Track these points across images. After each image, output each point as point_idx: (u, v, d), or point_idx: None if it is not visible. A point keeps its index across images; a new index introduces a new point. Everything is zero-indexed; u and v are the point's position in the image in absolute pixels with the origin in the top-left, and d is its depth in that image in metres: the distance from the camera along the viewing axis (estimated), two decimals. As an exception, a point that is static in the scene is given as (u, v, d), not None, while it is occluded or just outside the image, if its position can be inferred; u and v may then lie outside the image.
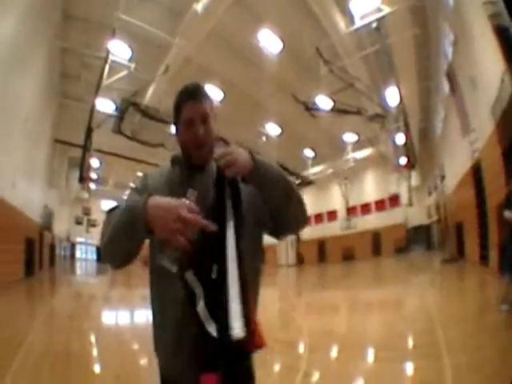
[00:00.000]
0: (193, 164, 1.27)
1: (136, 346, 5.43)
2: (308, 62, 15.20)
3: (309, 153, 25.01)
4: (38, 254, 15.14)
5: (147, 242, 1.21)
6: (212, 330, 0.98)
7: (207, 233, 0.99)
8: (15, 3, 9.15)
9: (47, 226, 18.43)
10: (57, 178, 20.56)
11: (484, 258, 8.11)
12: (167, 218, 0.93)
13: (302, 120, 19.14)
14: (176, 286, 1.05)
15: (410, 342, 4.60)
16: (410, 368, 3.68)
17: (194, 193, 0.99)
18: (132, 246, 1.08)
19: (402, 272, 14.51)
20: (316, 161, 25.77)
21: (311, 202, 29.06)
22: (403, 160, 17.60)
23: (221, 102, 16.68)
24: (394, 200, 23.87)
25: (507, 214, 4.89)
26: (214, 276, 1.03)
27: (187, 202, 0.96)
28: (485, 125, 8.24)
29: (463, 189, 10.59)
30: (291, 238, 28.74)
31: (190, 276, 1.03)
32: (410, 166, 16.52)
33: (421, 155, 18.01)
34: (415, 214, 22.01)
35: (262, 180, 1.12)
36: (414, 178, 19.97)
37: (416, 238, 22.38)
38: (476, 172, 8.94)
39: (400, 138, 17.11)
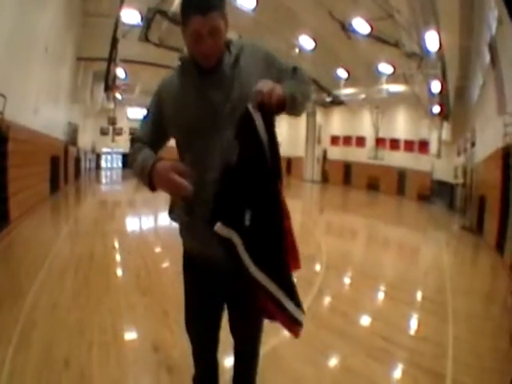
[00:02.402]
0: (203, 68, 1.32)
1: (158, 249, 5.69)
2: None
3: (342, 73, 23.85)
4: (62, 169, 15.36)
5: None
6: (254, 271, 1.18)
7: (235, 180, 1.18)
8: None
9: (72, 141, 18.49)
10: (81, 92, 20.20)
11: (500, 247, 7.78)
12: (162, 178, 1.15)
13: (338, 39, 18.12)
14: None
15: (420, 293, 4.71)
16: (416, 318, 3.81)
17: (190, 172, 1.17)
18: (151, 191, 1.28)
19: (423, 221, 14.48)
20: (349, 82, 24.63)
21: (341, 123, 28.37)
22: (436, 108, 16.87)
23: (253, 10, 15.77)
24: (423, 146, 23.03)
25: None
26: (247, 223, 1.18)
27: (175, 165, 1.17)
28: None
29: (490, 166, 9.94)
30: (318, 155, 28.71)
31: (220, 229, 1.18)
32: (443, 115, 15.82)
33: (455, 112, 16.97)
34: (442, 169, 21.10)
35: (292, 106, 1.24)
36: (445, 132, 19.13)
37: (439, 192, 21.92)
38: (505, 156, 8.27)
39: (436, 86, 16.08)
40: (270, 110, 1.15)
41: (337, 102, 25.62)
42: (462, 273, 6.48)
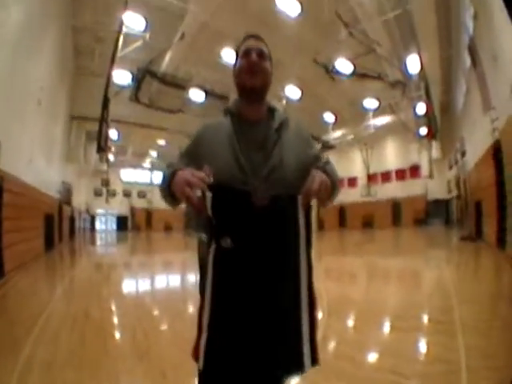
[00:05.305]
0: (246, 117, 1.36)
1: (155, 311, 5.51)
2: (327, 25, 14.73)
3: (329, 117, 24.74)
4: (57, 228, 15.36)
5: None
6: None
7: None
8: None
9: (66, 200, 18.63)
10: (74, 152, 20.61)
11: (501, 241, 7.93)
12: (179, 182, 1.13)
13: (323, 84, 19.00)
14: None
15: (426, 316, 4.55)
16: (424, 342, 3.64)
17: (207, 168, 1.16)
18: (172, 203, 1.30)
19: (421, 244, 14.40)
20: (337, 125, 25.56)
21: (332, 167, 29.05)
22: (423, 130, 17.30)
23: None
24: (415, 171, 23.57)
25: None
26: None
27: (195, 171, 1.13)
28: (505, 103, 7.85)
29: (483, 167, 10.27)
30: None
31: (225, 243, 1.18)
32: (431, 135, 16.12)
33: (442, 128, 17.53)
34: (435, 187, 21.72)
35: (331, 198, 1.31)
36: (435, 150, 19.61)
37: (435, 211, 22.17)
38: (496, 152, 8.59)
39: (421, 108, 16.70)
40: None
41: (327, 147, 26.24)
42: (466, 283, 6.38)
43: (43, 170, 12.86)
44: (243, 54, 1.36)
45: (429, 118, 15.34)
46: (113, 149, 24.74)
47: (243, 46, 1.38)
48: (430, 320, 4.34)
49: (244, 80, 1.35)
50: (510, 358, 2.99)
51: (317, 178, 1.15)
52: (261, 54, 1.36)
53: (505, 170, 8.10)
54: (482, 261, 8.31)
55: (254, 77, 1.33)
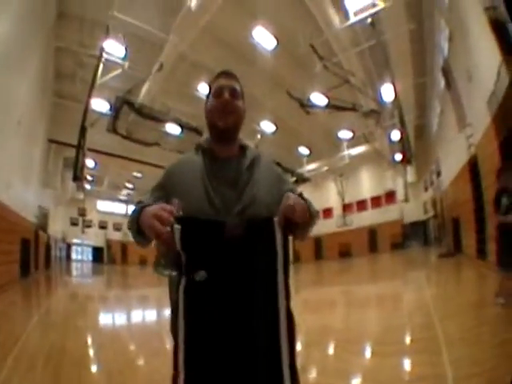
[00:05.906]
0: (218, 154, 1.34)
1: (131, 346, 5.37)
2: (302, 58, 15.14)
3: (304, 150, 25.06)
4: (33, 254, 14.97)
5: None
6: None
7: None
8: (10, 3, 9.06)
9: (42, 226, 18.23)
10: (52, 178, 20.27)
11: (481, 252, 8.17)
12: (147, 217, 1.10)
13: (297, 117, 19.13)
14: None
15: (408, 337, 4.53)
16: (408, 362, 3.61)
17: (175, 202, 1.17)
18: (141, 242, 1.27)
19: (399, 267, 14.54)
20: (311, 158, 25.82)
21: (306, 200, 29.25)
22: (398, 156, 17.66)
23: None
24: (390, 196, 23.99)
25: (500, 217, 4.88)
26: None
27: (164, 205, 1.12)
28: (481, 119, 8.23)
29: (460, 183, 10.69)
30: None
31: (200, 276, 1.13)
32: (406, 161, 16.53)
33: (417, 152, 17.99)
34: (411, 210, 22.14)
35: (309, 226, 1.31)
36: (410, 175, 20.06)
37: (412, 233, 22.51)
38: (472, 166, 9.03)
39: (395, 135, 17.13)
40: (293, 226, 1.16)
41: (301, 179, 26.36)
42: (447, 298, 6.42)
43: (21, 191, 12.70)
44: (215, 93, 1.35)
45: (403, 143, 15.78)
46: (89, 177, 24.39)
47: (215, 83, 1.37)
48: (412, 340, 4.32)
49: (216, 120, 1.33)
50: (497, 360, 3.02)
51: (291, 197, 1.15)
52: (233, 93, 1.34)
53: (482, 182, 8.46)
54: (462, 273, 8.49)
55: (226, 117, 1.32)
